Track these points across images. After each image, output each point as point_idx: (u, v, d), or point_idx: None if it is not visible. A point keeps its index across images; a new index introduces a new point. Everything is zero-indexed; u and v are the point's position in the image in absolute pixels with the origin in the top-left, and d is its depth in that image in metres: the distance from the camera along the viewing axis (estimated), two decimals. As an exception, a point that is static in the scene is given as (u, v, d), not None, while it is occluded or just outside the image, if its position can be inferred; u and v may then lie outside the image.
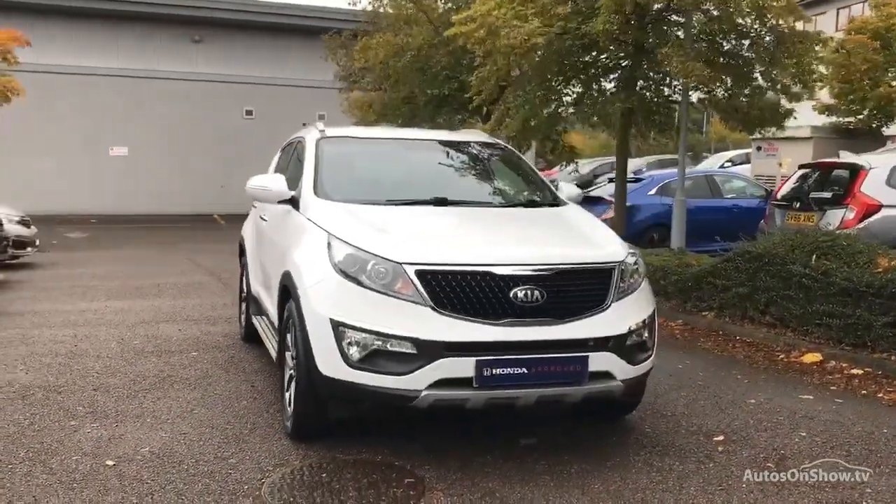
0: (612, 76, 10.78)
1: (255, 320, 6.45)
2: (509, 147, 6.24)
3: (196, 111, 23.97)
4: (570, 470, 4.26)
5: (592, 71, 10.54)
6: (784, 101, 10.58)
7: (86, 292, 10.38)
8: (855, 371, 6.43)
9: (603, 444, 4.71)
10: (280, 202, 5.31)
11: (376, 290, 4.09)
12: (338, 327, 4.10)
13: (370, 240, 4.30)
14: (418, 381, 3.99)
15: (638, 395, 4.99)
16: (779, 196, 10.57)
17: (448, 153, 5.96)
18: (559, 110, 11.43)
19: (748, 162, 20.89)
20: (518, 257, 4.22)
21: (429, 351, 3.98)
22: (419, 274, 4.06)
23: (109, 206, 23.19)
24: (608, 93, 10.81)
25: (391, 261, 4.12)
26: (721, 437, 4.85)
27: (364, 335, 4.05)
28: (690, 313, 8.61)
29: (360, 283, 4.13)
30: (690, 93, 10.43)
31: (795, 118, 11.27)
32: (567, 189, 5.84)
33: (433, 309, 4.02)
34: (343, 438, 4.60)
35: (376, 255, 4.16)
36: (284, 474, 4.12)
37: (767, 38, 9.81)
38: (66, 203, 22.90)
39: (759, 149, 18.48)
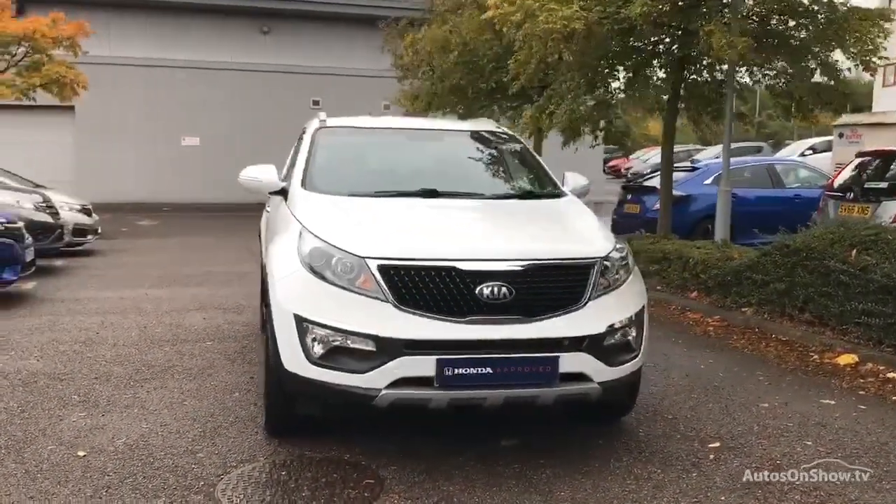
0: (658, 61, 10.35)
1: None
2: (516, 136, 6.03)
3: (264, 101, 24.33)
4: (541, 475, 4.07)
5: (637, 57, 10.15)
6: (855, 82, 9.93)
7: (133, 280, 10.61)
8: (891, 375, 5.99)
9: (588, 447, 4.49)
10: (271, 193, 5.26)
11: (339, 286, 3.98)
12: (301, 322, 4.01)
13: (338, 233, 4.20)
14: (378, 379, 3.86)
15: (628, 397, 4.75)
16: (834, 186, 10.00)
17: (450, 143, 5.81)
18: (607, 97, 11.08)
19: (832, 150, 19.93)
20: (487, 252, 4.05)
21: (388, 349, 3.85)
22: (381, 269, 3.93)
23: (182, 194, 23.76)
24: (657, 78, 10.39)
25: (354, 255, 4.01)
26: (717, 444, 4.57)
27: (326, 331, 3.95)
28: (729, 309, 8.22)
29: (324, 278, 4.03)
30: (739, 75, 9.94)
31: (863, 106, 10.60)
32: (573, 180, 5.61)
33: (394, 305, 3.89)
34: (318, 435, 4.52)
35: (341, 249, 4.05)
36: (244, 471, 4.06)
37: (821, 17, 9.24)
38: (141, 192, 23.59)
39: (841, 136, 17.37)
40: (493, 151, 5.80)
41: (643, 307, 4.42)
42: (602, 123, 11.12)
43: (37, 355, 6.30)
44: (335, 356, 3.95)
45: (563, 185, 5.53)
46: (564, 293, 4.07)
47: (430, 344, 3.86)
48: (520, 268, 3.99)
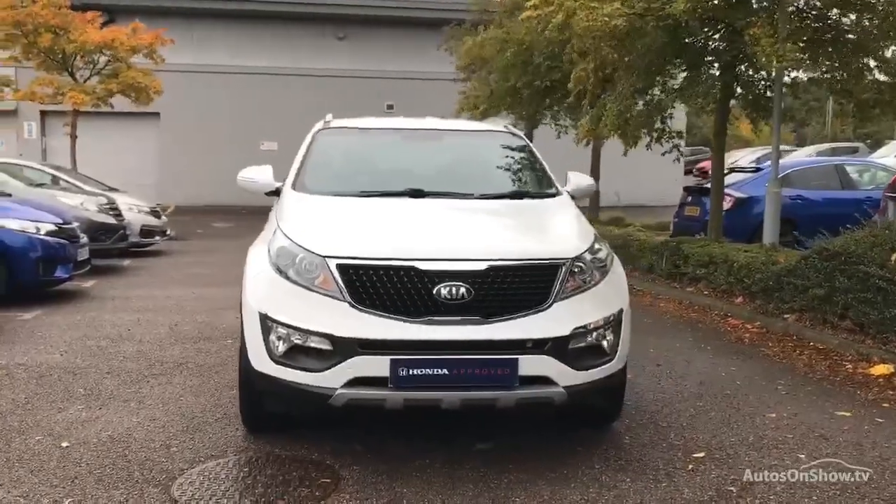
0: (710, 59, 10.00)
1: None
2: (519, 135, 5.90)
3: (340, 106, 24.40)
4: (502, 480, 3.98)
5: (687, 55, 9.83)
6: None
7: (187, 280, 10.94)
8: (925, 387, 5.64)
9: (565, 454, 4.36)
10: (267, 194, 5.33)
11: (301, 285, 4.00)
12: (265, 321, 4.04)
13: (304, 233, 4.23)
14: (333, 378, 3.85)
15: (608, 403, 4.60)
16: (896, 186, 9.47)
17: (448, 143, 5.75)
18: (661, 96, 10.79)
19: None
20: (448, 252, 3.98)
21: (344, 348, 3.84)
22: (340, 268, 3.93)
23: (261, 198, 24.24)
24: (707, 77, 10.03)
25: (316, 254, 4.01)
26: (702, 454, 4.37)
27: (287, 330, 3.97)
28: (772, 315, 7.89)
29: (287, 277, 4.05)
30: (792, 74, 9.51)
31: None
32: (576, 180, 5.48)
33: (351, 305, 3.87)
34: (293, 433, 4.54)
35: (304, 249, 4.07)
36: (208, 467, 4.11)
37: (881, 8, 8.74)
38: (220, 195, 24.17)
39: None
40: (493, 151, 5.71)
41: (621, 310, 4.26)
42: (657, 124, 10.79)
43: (62, 350, 6.55)
44: (295, 355, 3.97)
45: (565, 185, 5.42)
46: (528, 294, 3.96)
47: (384, 344, 3.82)
48: (481, 268, 3.91)
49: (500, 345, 3.87)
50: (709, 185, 13.16)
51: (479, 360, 3.85)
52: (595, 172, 14.55)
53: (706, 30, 9.16)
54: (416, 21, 24.57)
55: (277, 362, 3.99)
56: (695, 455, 4.36)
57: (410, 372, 3.81)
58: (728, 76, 9.83)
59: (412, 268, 3.87)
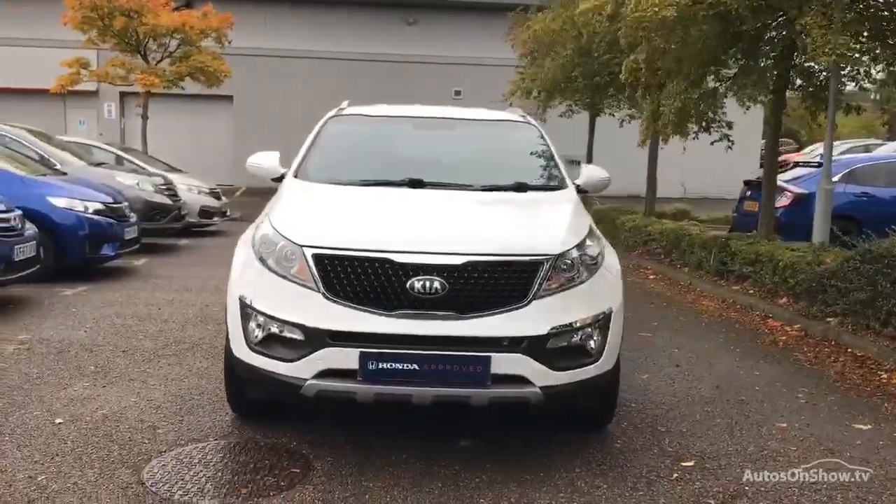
0: (766, 49, 9.57)
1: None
2: (535, 125, 5.73)
3: (408, 92, 24.60)
4: (473, 479, 3.89)
5: (741, 45, 9.44)
6: None
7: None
8: (960, 402, 5.29)
9: (548, 454, 4.24)
10: (273, 180, 5.32)
11: (279, 274, 3.98)
12: (244, 308, 4.05)
13: (288, 221, 4.21)
14: (304, 369, 3.83)
15: (598, 405, 4.46)
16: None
17: (459, 132, 5.63)
18: (716, 86, 10.42)
19: None
20: (425, 245, 3.88)
21: (314, 339, 3.81)
22: (316, 258, 3.88)
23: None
24: (763, 67, 9.62)
25: (294, 243, 3.98)
26: (691, 463, 4.19)
27: (264, 318, 3.96)
28: (813, 318, 7.54)
29: (267, 265, 4.04)
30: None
31: None
32: (588, 173, 5.32)
33: (324, 295, 3.83)
34: (280, 421, 4.54)
35: (284, 237, 4.04)
36: (185, 451, 4.13)
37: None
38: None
39: None
40: (504, 141, 5.58)
41: (610, 310, 4.10)
42: (711, 115, 10.44)
43: (88, 326, 6.73)
44: (270, 343, 3.96)
45: (578, 178, 5.27)
46: (506, 290, 3.84)
47: (354, 336, 3.77)
48: (458, 262, 3.80)
49: (474, 342, 3.77)
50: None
51: (451, 356, 3.76)
52: (652, 163, 14.17)
53: (761, 17, 8.73)
54: (487, 6, 24.35)
55: (254, 350, 3.99)
56: (683, 463, 4.18)
57: (380, 366, 3.75)
58: (784, 66, 9.40)
59: (386, 260, 3.80)
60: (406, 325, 3.76)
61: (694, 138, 10.63)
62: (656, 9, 8.61)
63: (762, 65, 9.55)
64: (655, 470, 4.08)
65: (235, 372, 4.27)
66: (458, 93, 24.60)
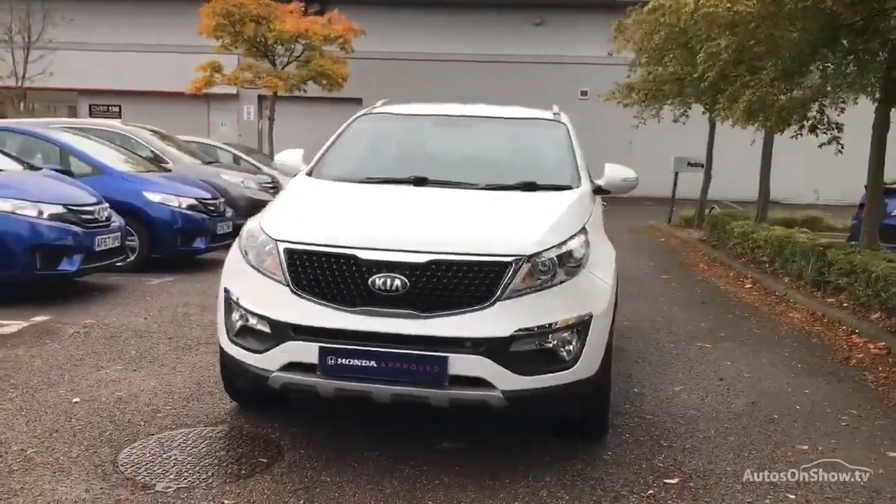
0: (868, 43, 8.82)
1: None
2: (562, 123, 5.53)
3: (535, 92, 24.40)
4: (433, 482, 3.81)
5: (842, 40, 8.77)
6: None
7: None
8: None
9: (525, 462, 4.08)
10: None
11: (255, 267, 4.07)
12: (227, 300, 4.17)
13: (272, 216, 4.29)
14: (270, 361, 3.89)
15: (588, 413, 4.28)
16: None
17: (479, 131, 5.55)
18: (818, 82, 9.75)
19: None
20: (390, 242, 3.85)
21: (279, 332, 3.86)
22: (287, 252, 3.94)
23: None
24: (868, 62, 8.88)
25: (270, 237, 4.05)
26: (674, 481, 3.94)
27: (241, 310, 4.07)
28: (904, 335, 6.91)
29: (247, 258, 4.14)
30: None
31: None
32: (611, 173, 5.12)
33: (291, 290, 3.88)
34: (276, 411, 4.63)
35: (264, 232, 4.12)
36: (169, 435, 4.28)
37: None
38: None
39: None
40: (525, 139, 5.44)
41: (590, 315, 3.91)
42: (812, 113, 9.78)
43: (151, 313, 7.11)
44: (244, 335, 4.06)
45: (601, 177, 5.09)
46: (469, 290, 3.75)
47: (313, 330, 3.79)
48: (421, 260, 3.75)
49: (431, 341, 3.70)
50: (893, 185, 11.78)
51: (407, 355, 3.71)
52: (766, 164, 13.39)
53: (855, 10, 8.07)
54: (615, 5, 23.85)
55: (232, 340, 4.11)
56: (667, 480, 3.94)
57: (338, 361, 3.76)
58: (893, 60, 8.65)
59: (351, 256, 3.80)
60: (364, 321, 3.75)
61: (794, 138, 9.99)
62: (729, 4, 8.18)
63: (866, 59, 8.80)
64: (630, 485, 3.87)
65: (224, 362, 4.39)
66: (584, 93, 24.25)
